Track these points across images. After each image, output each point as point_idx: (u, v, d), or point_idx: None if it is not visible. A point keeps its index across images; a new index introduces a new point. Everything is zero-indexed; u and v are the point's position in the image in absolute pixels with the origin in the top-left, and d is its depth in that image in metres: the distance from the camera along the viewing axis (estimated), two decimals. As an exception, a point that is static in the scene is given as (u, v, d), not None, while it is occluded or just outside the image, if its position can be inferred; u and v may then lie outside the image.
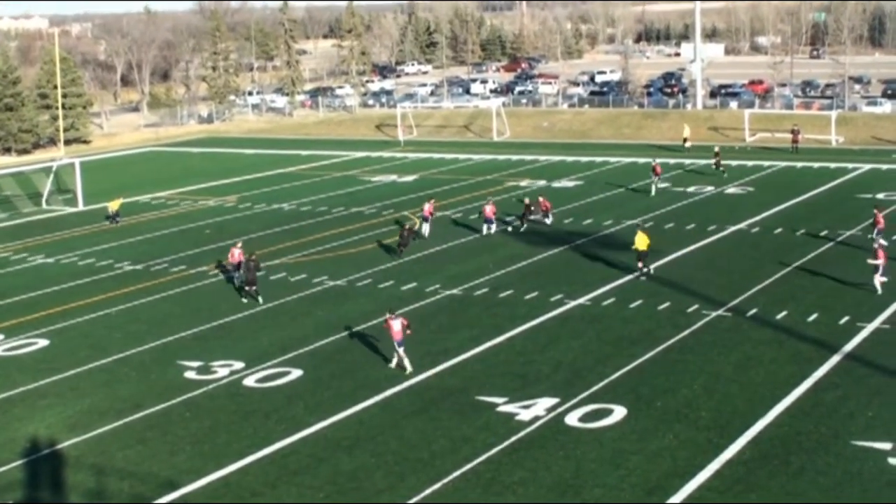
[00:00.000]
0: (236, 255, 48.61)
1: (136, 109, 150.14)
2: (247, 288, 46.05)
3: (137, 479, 28.16)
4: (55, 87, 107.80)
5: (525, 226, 58.51)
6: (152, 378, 36.40)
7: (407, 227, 54.98)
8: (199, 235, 60.96)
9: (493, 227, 57.74)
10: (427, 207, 58.15)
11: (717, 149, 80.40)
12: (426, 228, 57.27)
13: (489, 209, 58.11)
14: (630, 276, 47.09)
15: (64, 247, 59.38)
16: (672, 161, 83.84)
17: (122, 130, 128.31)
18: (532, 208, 59.56)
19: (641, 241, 47.67)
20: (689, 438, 29.48)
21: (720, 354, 36.61)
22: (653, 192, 68.21)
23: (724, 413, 31.25)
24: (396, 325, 36.07)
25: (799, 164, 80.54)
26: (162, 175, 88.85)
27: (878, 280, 43.36)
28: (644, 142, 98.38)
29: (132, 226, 65.36)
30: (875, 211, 52.40)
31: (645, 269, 47.53)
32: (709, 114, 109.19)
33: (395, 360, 36.53)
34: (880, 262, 43.50)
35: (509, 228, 58.66)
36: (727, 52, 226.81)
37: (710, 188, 70.69)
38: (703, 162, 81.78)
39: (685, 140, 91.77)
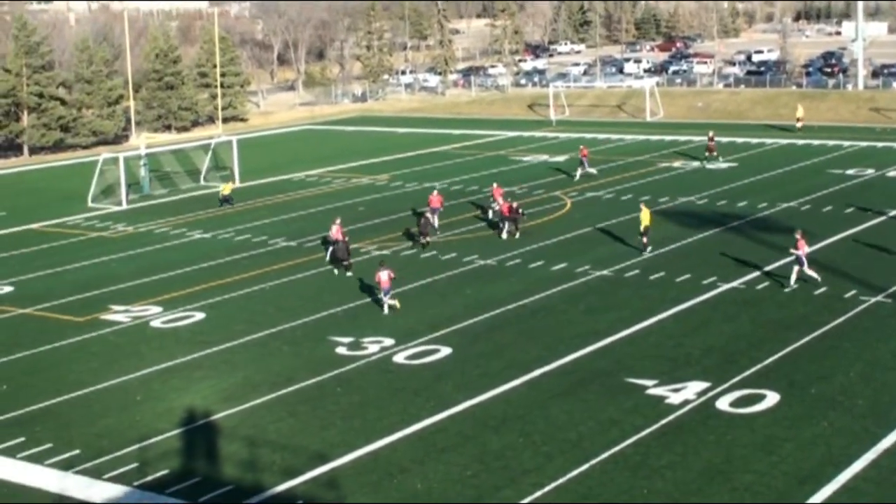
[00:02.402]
0: (334, 231, 49.66)
1: (291, 88, 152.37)
2: (345, 263, 47.74)
3: (289, 451, 28.65)
4: (214, 66, 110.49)
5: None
6: (304, 353, 36.97)
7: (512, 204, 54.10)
8: (352, 213, 61.59)
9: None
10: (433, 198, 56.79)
11: (711, 133, 78.18)
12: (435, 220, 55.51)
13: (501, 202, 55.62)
14: (786, 260, 46.09)
15: (221, 223, 60.64)
16: (784, 141, 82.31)
17: (277, 109, 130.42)
18: (520, 211, 54.60)
19: (645, 217, 48.44)
20: (845, 426, 28.79)
21: (878, 341, 35.64)
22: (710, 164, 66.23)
23: (881, 401, 30.43)
24: (384, 276, 40.72)
25: (965, 147, 77.86)
26: (316, 153, 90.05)
27: None
28: (803, 122, 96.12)
29: (287, 203, 66.41)
30: None
31: (649, 247, 48.26)
32: (870, 94, 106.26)
33: (385, 308, 40.92)
34: None
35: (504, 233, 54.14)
36: (891, 30, 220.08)
37: (870, 171, 68.81)
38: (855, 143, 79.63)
39: (798, 120, 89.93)
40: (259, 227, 58.64)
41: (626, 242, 50.55)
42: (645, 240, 48.69)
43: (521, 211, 54.17)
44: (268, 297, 44.54)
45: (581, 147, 73.77)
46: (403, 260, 49.67)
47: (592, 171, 70.31)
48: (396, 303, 41.49)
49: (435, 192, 57.89)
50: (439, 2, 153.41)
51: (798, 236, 42.67)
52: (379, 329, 39.08)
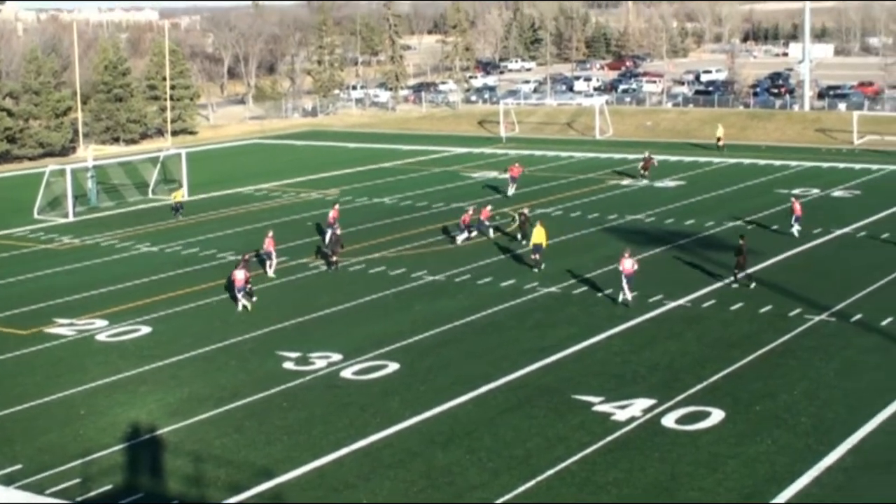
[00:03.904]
0: (266, 244, 50.10)
1: (241, 102, 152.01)
2: (332, 258, 48.99)
3: (234, 466, 28.49)
4: (164, 78, 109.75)
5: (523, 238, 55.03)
6: (251, 368, 36.80)
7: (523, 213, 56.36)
8: (300, 227, 61.48)
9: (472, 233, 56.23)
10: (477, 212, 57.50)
11: (647, 153, 79.34)
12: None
13: (466, 217, 56.45)
14: (732, 278, 46.49)
15: (169, 236, 60.29)
16: (702, 159, 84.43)
17: (227, 122, 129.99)
18: (524, 218, 56.22)
19: (539, 235, 48.89)
20: (788, 444, 29.04)
21: (822, 360, 36.00)
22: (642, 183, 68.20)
23: (824, 419, 30.73)
24: (240, 275, 43.01)
25: (908, 168, 78.94)
26: (265, 167, 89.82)
27: None
28: (749, 142, 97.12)
29: (236, 216, 66.16)
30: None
31: (542, 265, 48.82)
32: (816, 115, 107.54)
33: (240, 305, 43.22)
34: None
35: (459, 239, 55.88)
36: (837, 52, 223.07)
37: (815, 190, 69.59)
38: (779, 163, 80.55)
39: (719, 139, 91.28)
40: (208, 241, 58.35)
41: (574, 260, 50.75)
42: (537, 256, 49.02)
43: (525, 214, 56.24)
44: (215, 311, 44.30)
45: (513, 165, 73.69)
46: (352, 275, 49.63)
47: (509, 192, 70.72)
48: (249, 304, 43.45)
49: (335, 207, 58.22)
50: (391, 18, 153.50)
51: None
52: (327, 344, 38.98)
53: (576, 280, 47.16)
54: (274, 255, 50.15)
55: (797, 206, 55.56)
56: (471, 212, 57.07)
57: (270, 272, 49.89)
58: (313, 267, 51.39)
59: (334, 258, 50.82)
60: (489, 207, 59.71)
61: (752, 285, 45.01)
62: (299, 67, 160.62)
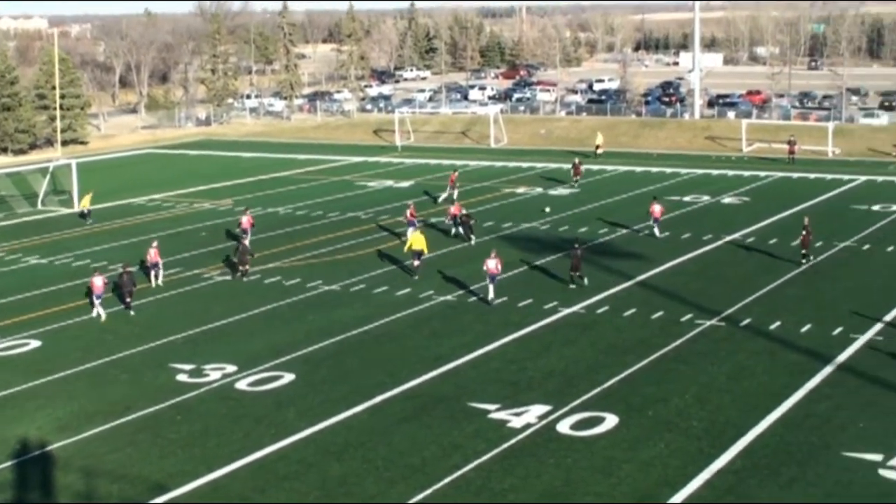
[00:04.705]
0: (152, 254, 49.89)
1: (133, 111, 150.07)
2: (241, 268, 49.69)
3: (127, 481, 28.08)
4: (53, 87, 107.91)
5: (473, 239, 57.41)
6: (144, 381, 36.31)
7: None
8: (194, 238, 60.88)
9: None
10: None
11: (577, 160, 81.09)
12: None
13: (409, 213, 58.34)
14: (625, 285, 47.06)
15: (59, 248, 59.28)
16: (595, 167, 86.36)
17: (119, 132, 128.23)
18: (467, 217, 58.58)
19: (417, 241, 49.94)
20: (681, 447, 29.44)
21: (713, 364, 36.58)
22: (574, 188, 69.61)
23: (716, 423, 31.21)
24: (98, 282, 43.82)
25: (795, 175, 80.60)
26: (158, 177, 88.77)
27: None
28: (641, 150, 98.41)
29: (128, 227, 65.29)
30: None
31: (420, 272, 49.85)
32: (706, 123, 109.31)
33: (94, 312, 43.90)
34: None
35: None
36: (725, 61, 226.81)
37: (706, 197, 70.74)
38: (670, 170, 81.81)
39: (597, 147, 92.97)
40: (99, 253, 57.47)
41: (469, 268, 50.91)
42: (416, 263, 49.75)
43: (468, 215, 58.09)
44: (107, 324, 43.64)
45: (453, 173, 75.12)
46: (247, 286, 49.27)
47: (441, 196, 71.17)
48: (103, 314, 43.90)
49: (247, 213, 58.31)
50: (285, 26, 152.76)
51: None
52: (221, 356, 38.61)
53: (471, 288, 47.31)
54: (161, 265, 49.85)
55: (656, 209, 57.67)
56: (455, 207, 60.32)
57: (158, 282, 49.49)
58: (207, 277, 50.92)
59: (243, 267, 50.74)
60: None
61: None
62: (193, 76, 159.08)
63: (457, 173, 75.28)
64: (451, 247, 56.20)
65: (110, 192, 78.31)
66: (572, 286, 47.01)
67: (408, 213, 58.44)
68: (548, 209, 66.74)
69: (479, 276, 48.93)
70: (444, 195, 71.40)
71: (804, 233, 50.33)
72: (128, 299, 45.32)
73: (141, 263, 51.97)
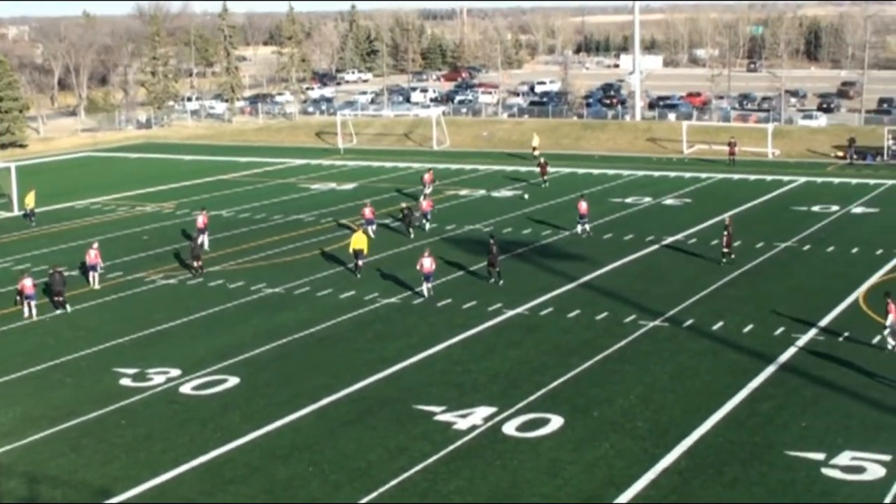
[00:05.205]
0: (92, 256, 49.93)
1: (73, 114, 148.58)
2: (195, 264, 50.40)
3: (70, 487, 27.85)
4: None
5: (412, 232, 60.02)
6: (87, 385, 36.02)
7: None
8: (135, 242, 60.44)
9: (373, 228, 59.68)
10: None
11: (542, 160, 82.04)
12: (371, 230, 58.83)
13: (368, 211, 60.03)
14: (569, 286, 47.29)
15: (-2, 252, 58.66)
16: (524, 168, 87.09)
17: (59, 135, 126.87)
18: (409, 212, 61.00)
19: (359, 241, 50.80)
20: (626, 448, 29.65)
21: (657, 364, 36.85)
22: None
23: (660, 423, 31.46)
24: (28, 282, 44.38)
25: (735, 177, 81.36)
26: (99, 180, 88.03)
27: None
28: (583, 152, 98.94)
29: (69, 231, 64.69)
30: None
31: (362, 270, 50.74)
32: (647, 125, 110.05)
33: (26, 311, 44.39)
34: None
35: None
36: (666, 64, 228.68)
37: (647, 199, 71.23)
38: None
39: (534, 149, 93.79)
40: (40, 256, 56.89)
41: (413, 270, 50.89)
42: (360, 263, 50.50)
43: (409, 208, 60.94)
44: (48, 328, 43.23)
45: (428, 172, 76.75)
46: (190, 289, 49.01)
47: (426, 190, 73.16)
48: (35, 313, 44.39)
49: (203, 213, 58.30)
50: (225, 28, 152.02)
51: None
52: (165, 360, 38.38)
53: (416, 290, 47.34)
54: (99, 267, 49.64)
55: (582, 206, 58.97)
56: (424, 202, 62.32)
57: (96, 285, 49.18)
58: (150, 281, 50.58)
59: (196, 262, 51.24)
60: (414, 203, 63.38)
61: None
62: (133, 79, 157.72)
63: (431, 172, 76.96)
64: (396, 248, 56.19)
65: (51, 196, 77.51)
66: (491, 280, 48.16)
67: (367, 211, 59.66)
68: (526, 196, 70.05)
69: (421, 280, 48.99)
70: (428, 191, 72.31)
71: (725, 233, 51.20)
72: (58, 298, 45.26)
73: (81, 266, 51.55)
